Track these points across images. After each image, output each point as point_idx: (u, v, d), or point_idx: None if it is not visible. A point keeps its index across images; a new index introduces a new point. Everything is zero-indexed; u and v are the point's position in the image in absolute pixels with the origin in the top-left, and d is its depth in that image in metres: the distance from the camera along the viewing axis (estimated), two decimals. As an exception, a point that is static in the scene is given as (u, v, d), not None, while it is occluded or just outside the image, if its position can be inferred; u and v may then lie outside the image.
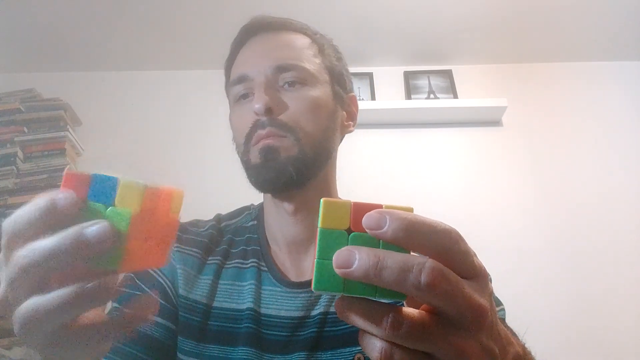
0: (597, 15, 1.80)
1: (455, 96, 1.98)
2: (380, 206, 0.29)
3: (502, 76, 2.05)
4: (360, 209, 0.28)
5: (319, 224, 0.29)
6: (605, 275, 1.68)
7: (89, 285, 0.28)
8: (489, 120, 1.96)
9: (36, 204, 0.29)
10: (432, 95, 2.00)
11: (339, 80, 0.73)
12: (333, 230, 0.29)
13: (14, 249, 0.29)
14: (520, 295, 1.56)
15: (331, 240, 0.28)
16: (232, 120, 0.70)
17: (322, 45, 0.72)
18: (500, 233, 1.74)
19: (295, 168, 0.62)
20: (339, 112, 0.72)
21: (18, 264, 0.28)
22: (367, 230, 0.28)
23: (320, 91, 0.67)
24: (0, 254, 0.30)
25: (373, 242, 0.28)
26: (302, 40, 0.70)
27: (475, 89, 2.02)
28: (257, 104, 0.62)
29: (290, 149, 0.62)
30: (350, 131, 0.75)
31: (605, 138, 1.92)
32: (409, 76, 2.06)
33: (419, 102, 1.94)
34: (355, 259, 0.27)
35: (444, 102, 1.94)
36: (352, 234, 0.29)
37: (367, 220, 0.28)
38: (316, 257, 0.28)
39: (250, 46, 0.70)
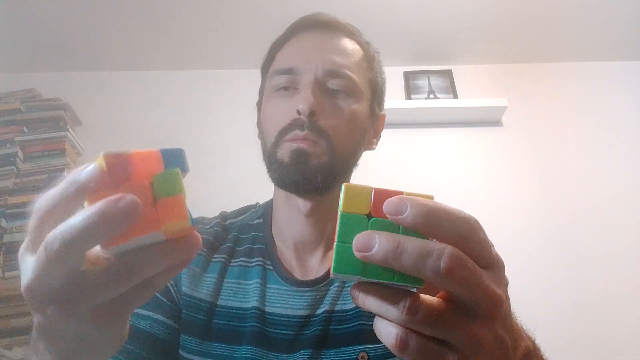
0: (597, 15, 1.81)
1: (455, 96, 1.99)
2: (401, 193, 0.29)
3: (502, 76, 2.05)
4: (381, 195, 0.29)
5: (340, 208, 0.29)
6: (606, 275, 1.68)
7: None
8: (489, 120, 1.96)
9: (63, 182, 0.28)
10: (432, 95, 2.00)
11: (379, 99, 0.74)
12: (353, 214, 0.29)
13: (45, 230, 0.27)
14: (520, 295, 1.55)
15: (351, 225, 0.29)
16: (267, 109, 0.69)
17: (372, 58, 0.73)
18: (500, 233, 1.72)
19: (322, 176, 0.62)
20: (370, 129, 0.72)
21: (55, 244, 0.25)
22: (387, 215, 0.28)
23: (361, 106, 0.68)
24: (25, 240, 0.28)
25: (393, 227, 0.28)
26: (357, 50, 0.71)
27: (475, 89, 2.02)
28: (303, 104, 0.62)
29: (322, 156, 0.62)
30: (372, 149, 0.76)
31: (605, 138, 1.92)
32: (409, 76, 2.06)
33: (419, 102, 1.95)
34: (375, 242, 0.27)
35: (444, 102, 1.94)
36: (372, 219, 0.29)
37: (387, 205, 0.28)
38: (336, 240, 0.28)
39: (305, 39, 0.70)
